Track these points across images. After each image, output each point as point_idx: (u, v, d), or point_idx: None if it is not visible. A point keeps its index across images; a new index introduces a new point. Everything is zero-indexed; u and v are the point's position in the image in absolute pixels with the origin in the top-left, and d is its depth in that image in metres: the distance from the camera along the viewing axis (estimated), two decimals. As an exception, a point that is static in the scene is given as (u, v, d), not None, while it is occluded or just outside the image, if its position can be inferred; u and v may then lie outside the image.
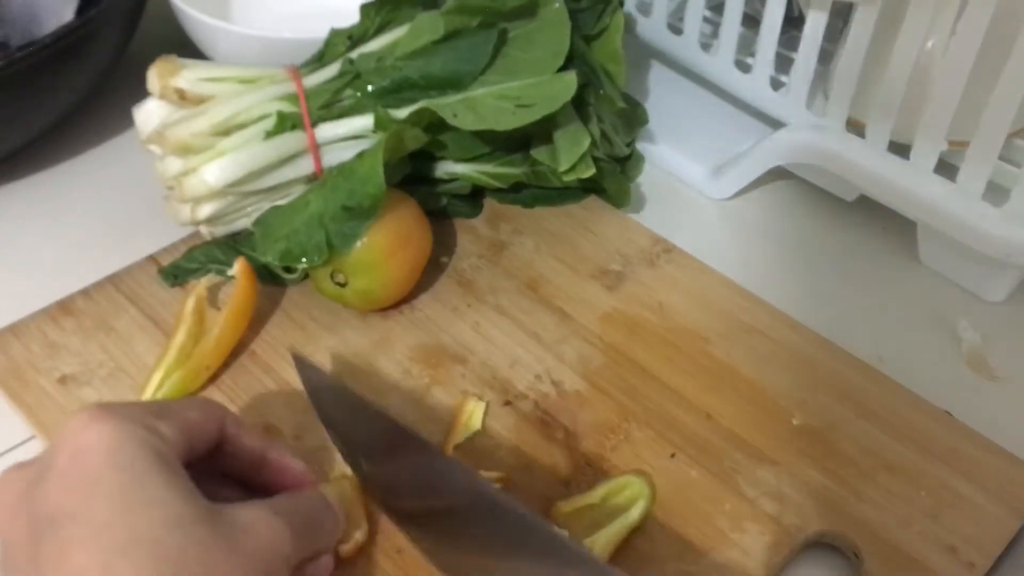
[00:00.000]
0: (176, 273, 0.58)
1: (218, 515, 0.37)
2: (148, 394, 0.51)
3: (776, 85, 0.64)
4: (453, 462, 0.43)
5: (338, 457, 0.49)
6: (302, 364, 0.49)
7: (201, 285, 0.55)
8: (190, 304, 0.54)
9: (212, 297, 0.56)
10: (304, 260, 0.53)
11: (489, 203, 0.65)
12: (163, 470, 0.36)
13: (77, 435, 0.36)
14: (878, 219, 0.65)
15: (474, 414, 0.52)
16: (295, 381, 0.53)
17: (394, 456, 0.45)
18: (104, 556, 0.34)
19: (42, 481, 0.36)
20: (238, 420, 0.43)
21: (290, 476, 0.44)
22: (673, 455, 0.51)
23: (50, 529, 0.35)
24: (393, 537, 0.46)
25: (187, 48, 0.67)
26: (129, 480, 0.35)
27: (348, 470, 0.48)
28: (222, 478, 0.43)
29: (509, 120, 0.56)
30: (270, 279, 0.58)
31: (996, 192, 0.57)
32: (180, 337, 0.53)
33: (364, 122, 0.57)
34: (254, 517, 0.38)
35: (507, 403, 0.53)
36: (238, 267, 0.54)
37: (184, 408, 0.41)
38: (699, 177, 0.68)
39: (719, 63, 0.66)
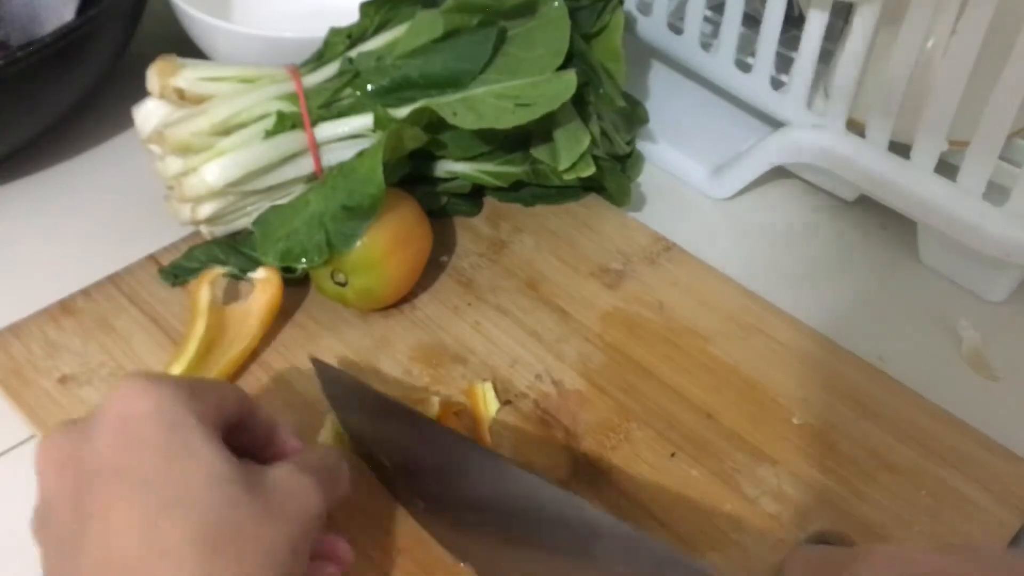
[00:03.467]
0: (176, 273, 0.58)
1: (252, 473, 0.38)
2: None
3: (776, 85, 0.64)
4: (490, 452, 0.45)
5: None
6: (321, 368, 0.50)
7: (215, 273, 0.55)
8: (204, 297, 0.54)
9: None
10: (304, 260, 0.53)
11: (489, 202, 0.65)
12: (205, 434, 0.38)
13: (127, 398, 0.38)
14: (878, 219, 0.65)
15: (487, 395, 0.52)
16: (295, 380, 0.53)
17: (422, 450, 0.46)
18: (146, 513, 0.35)
19: (90, 439, 0.37)
20: (252, 400, 0.44)
21: (292, 452, 0.45)
22: (673, 454, 0.51)
23: (96, 483, 0.36)
24: (401, 537, 0.46)
25: (187, 48, 0.67)
26: (174, 440, 0.37)
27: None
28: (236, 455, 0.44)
29: (509, 119, 0.56)
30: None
31: (996, 192, 0.57)
32: (199, 331, 0.53)
33: (364, 121, 0.57)
34: (283, 476, 0.39)
35: (507, 402, 0.53)
36: (267, 274, 0.54)
37: (216, 385, 0.42)
38: (699, 176, 0.68)
39: (719, 62, 0.66)
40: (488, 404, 0.52)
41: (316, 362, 0.50)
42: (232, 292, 0.57)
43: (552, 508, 0.41)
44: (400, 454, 0.47)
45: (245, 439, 0.43)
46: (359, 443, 0.49)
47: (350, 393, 0.49)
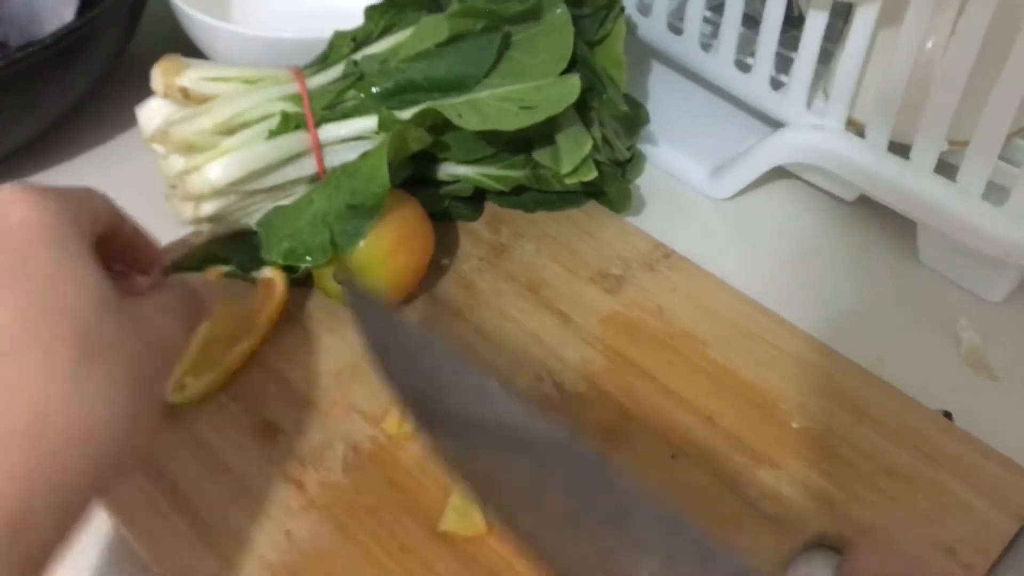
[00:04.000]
0: (177, 271, 0.58)
1: (126, 304, 0.39)
2: (173, 396, 0.52)
3: (776, 85, 0.64)
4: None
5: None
6: (353, 291, 0.49)
7: (216, 271, 0.55)
8: None
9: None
10: (309, 259, 0.54)
11: (490, 207, 0.65)
12: (87, 249, 0.38)
13: (8, 208, 0.37)
14: (878, 219, 0.66)
15: None
16: (295, 378, 0.54)
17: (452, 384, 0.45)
18: (27, 316, 0.35)
19: None
20: (119, 209, 0.44)
21: (147, 254, 0.45)
22: (674, 457, 0.51)
23: None
24: (399, 535, 0.46)
25: (187, 48, 0.67)
26: (59, 252, 0.37)
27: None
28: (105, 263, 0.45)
29: (513, 121, 0.56)
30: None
31: (996, 192, 0.57)
32: (200, 329, 0.52)
33: (367, 123, 0.57)
34: (152, 311, 0.40)
35: (508, 404, 0.53)
36: (274, 276, 0.54)
37: (89, 194, 0.42)
38: (699, 177, 0.68)
39: (719, 63, 0.66)
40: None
41: (345, 283, 0.50)
42: (236, 291, 0.57)
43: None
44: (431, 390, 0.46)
45: (114, 247, 0.43)
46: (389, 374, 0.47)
47: (384, 320, 0.48)
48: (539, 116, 0.56)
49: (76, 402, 0.35)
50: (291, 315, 0.57)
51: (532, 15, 0.59)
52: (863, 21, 0.57)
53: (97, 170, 0.68)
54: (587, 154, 0.59)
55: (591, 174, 0.60)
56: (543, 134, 0.59)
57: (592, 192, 0.65)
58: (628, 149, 0.65)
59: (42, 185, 0.39)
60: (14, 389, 0.34)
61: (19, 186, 0.38)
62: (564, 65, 0.57)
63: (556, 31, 0.58)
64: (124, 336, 0.37)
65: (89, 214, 0.40)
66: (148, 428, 0.38)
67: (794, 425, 0.52)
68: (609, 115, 0.63)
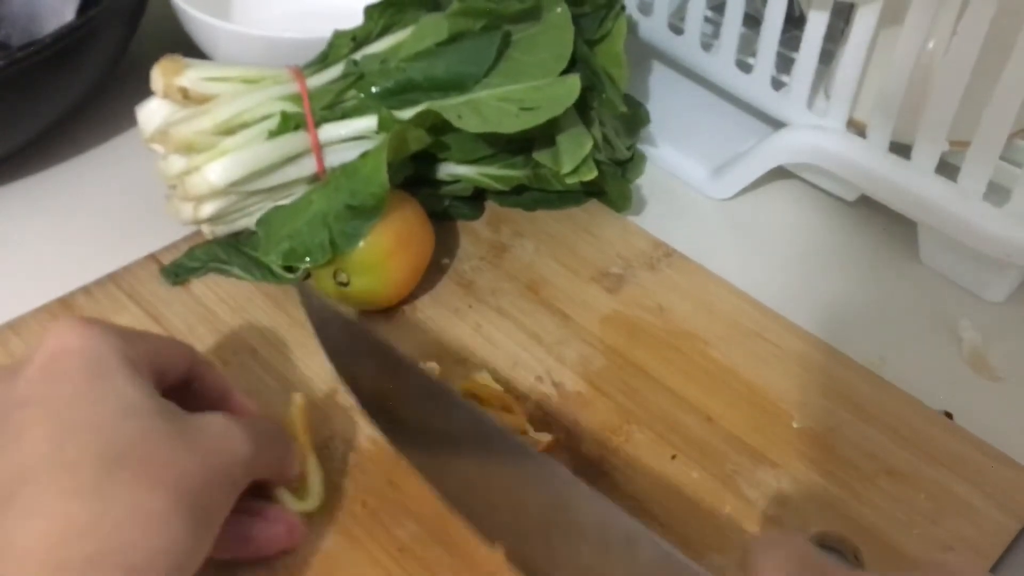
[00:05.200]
0: (177, 272, 0.58)
1: (177, 413, 0.39)
2: None
3: (777, 85, 0.64)
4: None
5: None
6: (307, 295, 0.50)
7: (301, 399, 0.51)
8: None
9: None
10: (308, 259, 0.54)
11: (490, 206, 0.65)
12: (129, 371, 0.38)
13: (57, 338, 0.39)
14: (878, 219, 0.66)
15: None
16: (296, 379, 0.54)
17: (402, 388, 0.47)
18: (57, 433, 0.36)
19: (18, 376, 0.38)
20: (206, 360, 0.45)
21: (247, 415, 0.45)
22: (674, 457, 0.51)
23: (15, 411, 0.37)
24: (399, 537, 0.46)
25: (187, 48, 0.67)
26: (95, 373, 0.38)
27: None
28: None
29: (513, 123, 0.56)
30: (271, 277, 0.58)
31: (997, 192, 0.57)
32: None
33: (367, 123, 0.57)
34: (213, 419, 0.40)
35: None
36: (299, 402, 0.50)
37: (156, 337, 0.43)
38: (699, 177, 0.68)
39: (720, 63, 0.66)
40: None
41: (302, 290, 0.51)
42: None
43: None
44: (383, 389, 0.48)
45: (195, 401, 0.43)
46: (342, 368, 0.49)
47: (336, 323, 0.50)
48: (539, 117, 0.56)
49: (102, 518, 0.34)
50: (290, 314, 0.57)
51: (532, 14, 0.59)
52: (864, 21, 0.57)
53: (98, 170, 0.68)
54: (587, 154, 0.59)
55: (591, 174, 0.59)
56: (543, 134, 0.59)
57: (593, 191, 0.65)
58: (628, 148, 0.65)
59: (94, 319, 0.40)
60: (34, 516, 0.34)
61: (72, 319, 0.40)
62: (564, 64, 0.57)
63: (556, 30, 0.58)
64: (167, 449, 0.37)
65: (147, 349, 0.40)
66: (198, 547, 0.37)
67: (795, 425, 0.52)
68: (609, 114, 0.63)
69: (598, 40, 0.62)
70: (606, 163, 0.63)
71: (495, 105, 0.56)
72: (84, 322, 0.39)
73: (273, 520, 0.44)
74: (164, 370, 0.41)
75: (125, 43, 0.69)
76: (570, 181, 0.59)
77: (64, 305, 0.57)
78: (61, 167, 0.68)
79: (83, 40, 0.62)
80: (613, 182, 0.64)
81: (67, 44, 0.61)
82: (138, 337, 0.41)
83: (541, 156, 0.60)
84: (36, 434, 0.36)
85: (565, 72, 0.57)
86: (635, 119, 0.67)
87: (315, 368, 0.54)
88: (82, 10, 0.68)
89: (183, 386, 0.44)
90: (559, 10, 0.58)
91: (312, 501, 0.46)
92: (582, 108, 0.60)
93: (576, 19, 0.59)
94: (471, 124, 0.56)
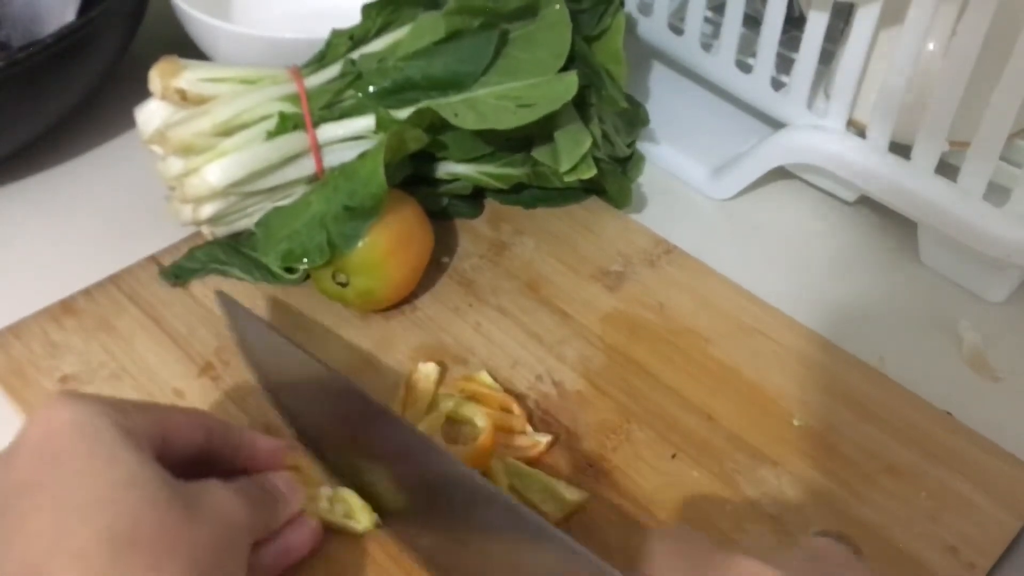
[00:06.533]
0: (177, 273, 0.58)
1: (176, 484, 0.38)
2: None
3: (777, 85, 0.64)
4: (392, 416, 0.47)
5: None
6: (227, 304, 0.51)
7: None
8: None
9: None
10: (306, 260, 0.53)
11: (490, 204, 0.65)
12: (127, 443, 0.37)
13: (48, 415, 0.38)
14: (879, 220, 0.66)
15: (429, 378, 0.52)
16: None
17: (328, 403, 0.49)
18: (59, 517, 0.35)
19: (13, 458, 0.37)
20: (223, 421, 0.44)
21: (264, 452, 0.45)
22: (674, 455, 0.51)
23: (15, 499, 0.36)
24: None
25: (188, 49, 0.67)
26: (92, 448, 0.37)
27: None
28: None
29: (510, 120, 0.56)
30: (271, 278, 0.58)
31: (997, 192, 0.57)
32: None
33: (366, 123, 0.57)
34: (211, 487, 0.39)
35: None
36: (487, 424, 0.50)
37: (166, 408, 0.42)
38: (700, 177, 0.68)
39: (720, 63, 0.66)
40: (423, 388, 0.52)
41: (222, 295, 0.52)
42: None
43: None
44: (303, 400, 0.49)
45: (220, 465, 0.43)
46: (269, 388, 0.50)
47: (262, 336, 0.51)
48: (536, 114, 0.56)
49: None
50: (290, 315, 0.57)
51: (529, 11, 0.59)
52: (864, 22, 0.57)
53: (98, 171, 0.68)
54: (586, 152, 0.59)
55: (590, 172, 0.59)
56: (542, 131, 0.59)
57: (592, 188, 0.65)
58: (628, 146, 0.65)
59: (86, 394, 0.39)
60: None
61: (66, 394, 0.39)
62: (562, 62, 0.57)
63: (553, 27, 0.58)
64: (175, 522, 0.36)
65: (147, 421, 0.40)
66: None
67: (795, 423, 0.52)
68: (609, 111, 0.63)
69: (596, 37, 0.62)
70: (606, 160, 0.63)
71: (493, 103, 0.56)
72: (73, 396, 0.38)
73: (298, 524, 0.44)
74: (170, 440, 0.40)
75: (125, 44, 0.69)
76: (569, 179, 0.59)
77: (65, 307, 0.56)
78: (61, 168, 0.68)
79: (84, 41, 0.62)
80: (613, 179, 0.64)
81: (68, 45, 0.61)
82: (135, 407, 0.40)
83: (540, 154, 0.60)
84: (40, 523, 0.35)
85: (563, 69, 0.57)
86: (635, 118, 0.67)
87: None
88: (83, 11, 0.68)
89: (206, 458, 0.43)
90: (557, 7, 0.58)
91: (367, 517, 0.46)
92: (581, 105, 0.60)
93: (574, 16, 0.59)
94: (468, 121, 0.56)
